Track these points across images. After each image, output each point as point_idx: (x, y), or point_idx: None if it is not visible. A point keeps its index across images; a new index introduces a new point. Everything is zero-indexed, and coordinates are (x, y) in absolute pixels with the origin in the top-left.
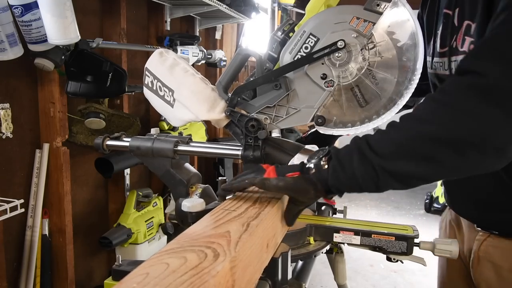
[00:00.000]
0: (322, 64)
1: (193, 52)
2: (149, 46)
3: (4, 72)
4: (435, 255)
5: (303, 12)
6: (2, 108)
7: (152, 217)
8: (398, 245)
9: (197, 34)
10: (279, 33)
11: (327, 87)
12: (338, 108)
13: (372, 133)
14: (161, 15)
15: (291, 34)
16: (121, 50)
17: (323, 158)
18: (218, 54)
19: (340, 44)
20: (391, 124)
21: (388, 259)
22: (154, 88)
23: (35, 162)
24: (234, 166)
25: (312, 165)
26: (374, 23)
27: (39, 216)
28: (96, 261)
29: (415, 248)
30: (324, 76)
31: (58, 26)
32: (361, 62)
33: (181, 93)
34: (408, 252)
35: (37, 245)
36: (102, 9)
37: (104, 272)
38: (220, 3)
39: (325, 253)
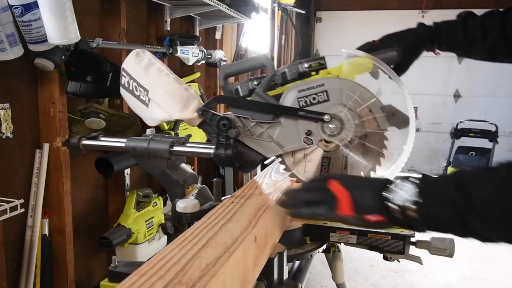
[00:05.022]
0: (315, 122)
1: (193, 52)
2: (149, 46)
3: (4, 72)
4: (431, 253)
5: (302, 12)
6: (2, 108)
7: (152, 217)
8: (395, 244)
9: (197, 34)
10: (306, 65)
11: (304, 142)
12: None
13: None
14: (161, 15)
15: (313, 73)
16: (121, 50)
17: (411, 200)
18: (218, 54)
19: (326, 118)
20: (500, 178)
21: (385, 258)
22: (130, 88)
23: (35, 162)
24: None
25: (399, 205)
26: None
27: (39, 216)
28: (96, 261)
29: (412, 247)
30: (308, 132)
31: (58, 26)
32: (345, 140)
33: (156, 92)
34: (404, 251)
35: (37, 245)
36: (102, 9)
37: (104, 272)
38: (220, 3)
39: (322, 252)
